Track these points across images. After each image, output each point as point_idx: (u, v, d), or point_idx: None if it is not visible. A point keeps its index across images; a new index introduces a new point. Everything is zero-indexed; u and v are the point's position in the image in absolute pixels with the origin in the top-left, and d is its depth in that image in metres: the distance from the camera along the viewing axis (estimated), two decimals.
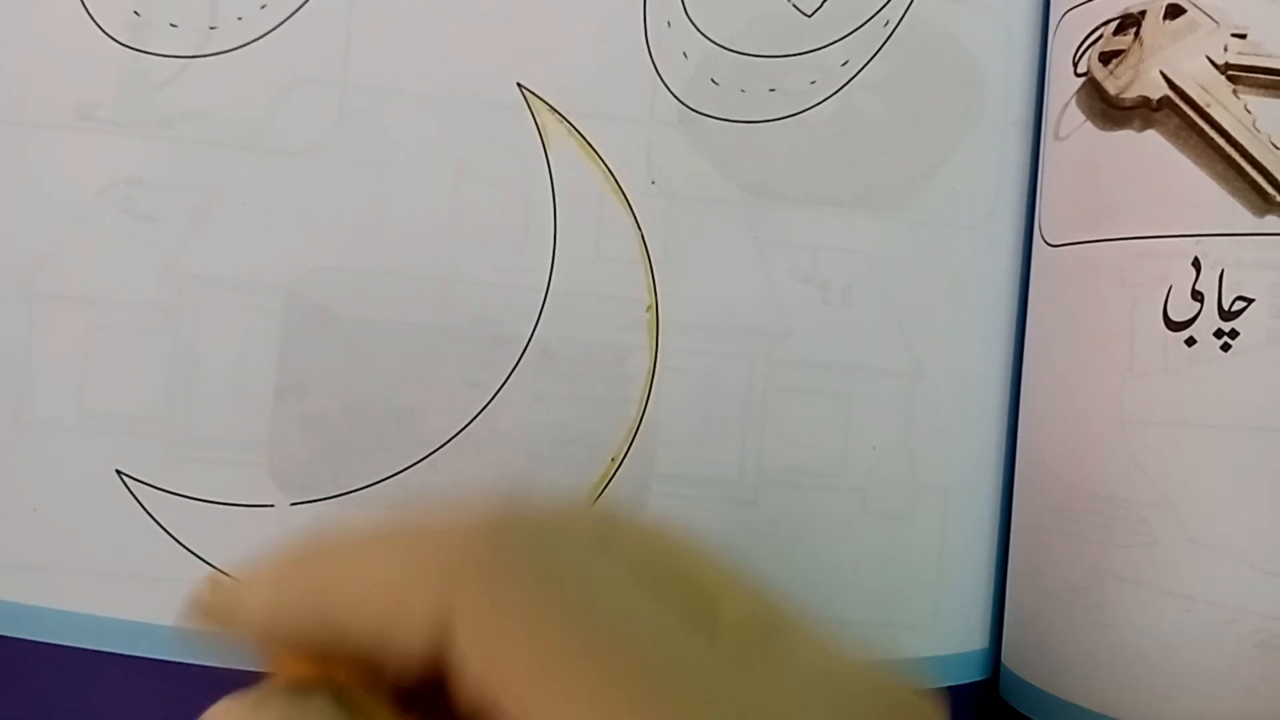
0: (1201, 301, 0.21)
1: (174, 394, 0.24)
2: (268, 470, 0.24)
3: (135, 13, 0.24)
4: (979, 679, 0.25)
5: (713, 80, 0.25)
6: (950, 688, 0.25)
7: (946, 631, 0.25)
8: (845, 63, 0.25)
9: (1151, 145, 0.22)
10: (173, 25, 0.24)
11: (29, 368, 0.24)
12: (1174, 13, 0.22)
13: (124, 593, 0.24)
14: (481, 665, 0.15)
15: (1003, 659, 0.25)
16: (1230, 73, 0.22)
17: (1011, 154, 0.26)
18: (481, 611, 0.15)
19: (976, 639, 0.25)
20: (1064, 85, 0.24)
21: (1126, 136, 0.23)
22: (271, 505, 0.24)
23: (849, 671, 0.17)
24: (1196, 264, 0.21)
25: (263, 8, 0.24)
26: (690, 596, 0.18)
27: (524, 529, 0.16)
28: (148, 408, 0.24)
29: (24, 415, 0.24)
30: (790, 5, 0.25)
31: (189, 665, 0.24)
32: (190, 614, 0.18)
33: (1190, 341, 0.21)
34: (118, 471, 0.24)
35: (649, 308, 0.25)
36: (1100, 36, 0.24)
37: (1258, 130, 0.21)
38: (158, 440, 0.24)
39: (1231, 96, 0.22)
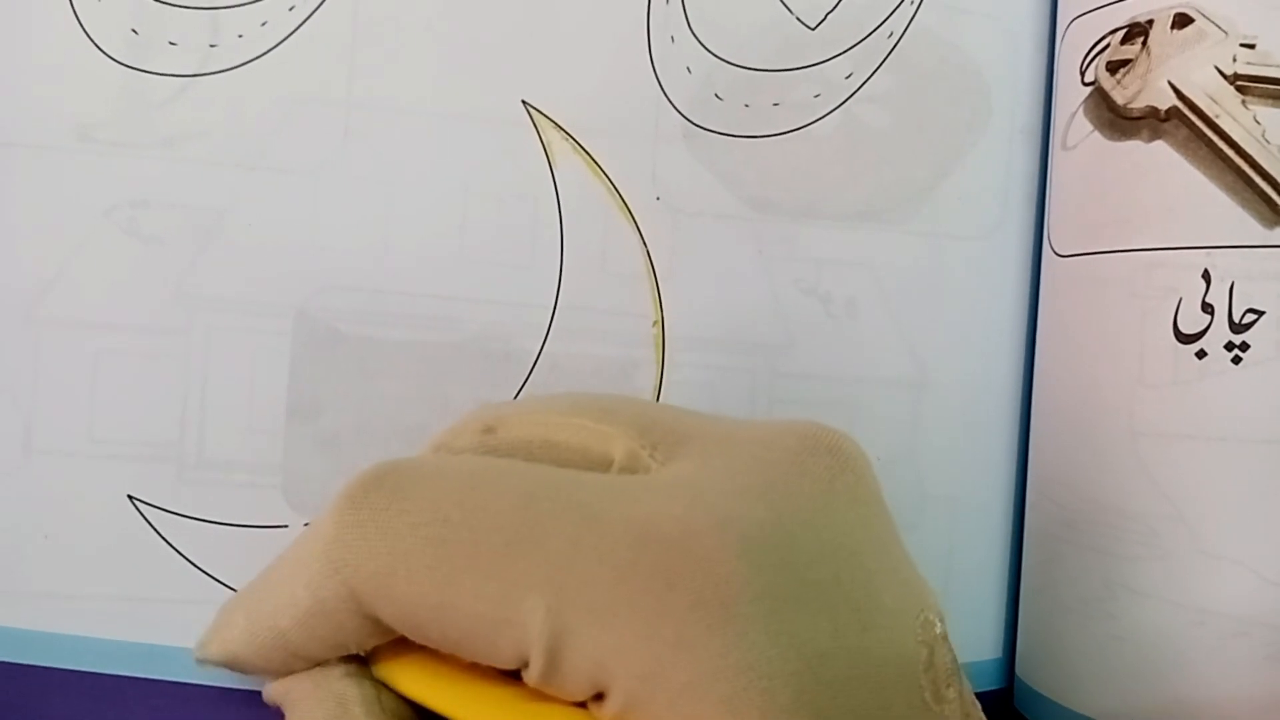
0: (1212, 314, 0.21)
1: (185, 417, 0.24)
2: (281, 491, 0.24)
3: (133, 30, 0.24)
4: (993, 689, 0.25)
5: (716, 95, 0.25)
6: None
7: (956, 641, 0.25)
8: (849, 75, 0.25)
9: (1160, 156, 0.22)
10: (172, 43, 0.24)
11: (36, 394, 0.24)
12: (1182, 22, 0.22)
13: (139, 616, 0.24)
14: (378, 590, 0.17)
15: (1016, 669, 0.25)
16: (1239, 83, 0.22)
17: (1018, 163, 0.26)
18: (366, 546, 0.18)
19: (988, 649, 0.25)
20: (1071, 94, 0.24)
21: (1134, 147, 0.23)
22: (286, 526, 0.24)
23: (748, 435, 0.19)
24: (1206, 276, 0.21)
25: (264, 25, 0.24)
26: (581, 451, 0.20)
27: (378, 468, 0.18)
28: (158, 432, 0.24)
29: (33, 442, 0.24)
30: (794, 18, 0.25)
31: (206, 687, 0.24)
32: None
33: (1201, 354, 0.21)
34: (129, 496, 0.24)
35: (655, 322, 0.25)
36: (1107, 45, 0.23)
37: (1267, 141, 0.21)
38: (169, 464, 0.24)
39: (1240, 107, 0.22)
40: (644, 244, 0.25)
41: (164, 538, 0.24)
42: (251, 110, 0.24)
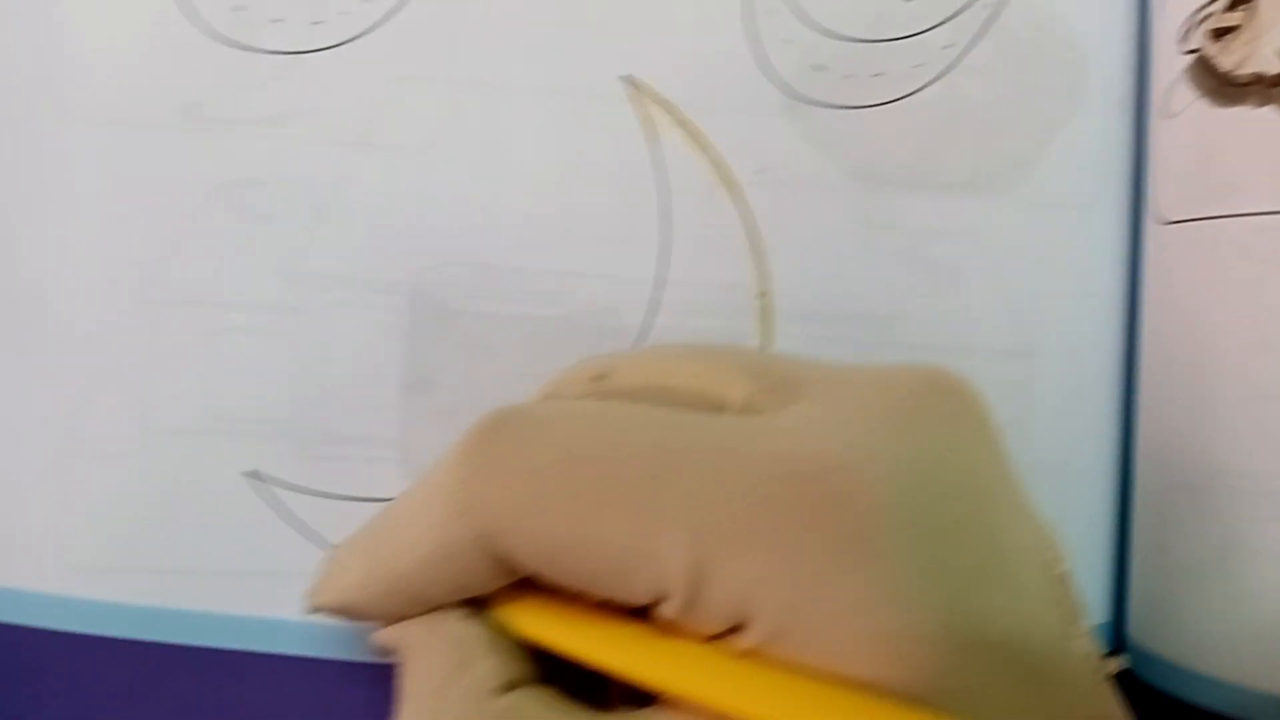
0: None
1: (302, 394, 0.24)
2: (399, 465, 0.24)
3: (237, 8, 0.24)
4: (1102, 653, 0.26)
5: (818, 67, 0.25)
6: None
7: None
8: (949, 45, 0.25)
9: (1269, 121, 0.22)
10: (275, 20, 0.24)
11: (152, 374, 0.24)
12: None
13: (261, 591, 0.24)
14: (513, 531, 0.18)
15: (1129, 633, 0.25)
16: None
17: (1116, 131, 0.26)
18: (497, 494, 0.18)
19: (1098, 613, 0.26)
20: (1171, 62, 0.24)
21: (1242, 113, 0.23)
22: None
23: (865, 378, 0.19)
24: None
25: (367, 0, 0.24)
26: (696, 395, 0.20)
27: (501, 412, 0.19)
28: (276, 408, 0.24)
29: (151, 422, 0.24)
30: None
31: (329, 661, 0.24)
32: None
33: None
34: (249, 472, 0.24)
35: (760, 294, 0.25)
36: (1210, 13, 0.24)
37: None
38: (288, 440, 0.24)
39: None
40: (747, 217, 0.25)
41: (284, 513, 0.24)
42: (356, 87, 0.24)
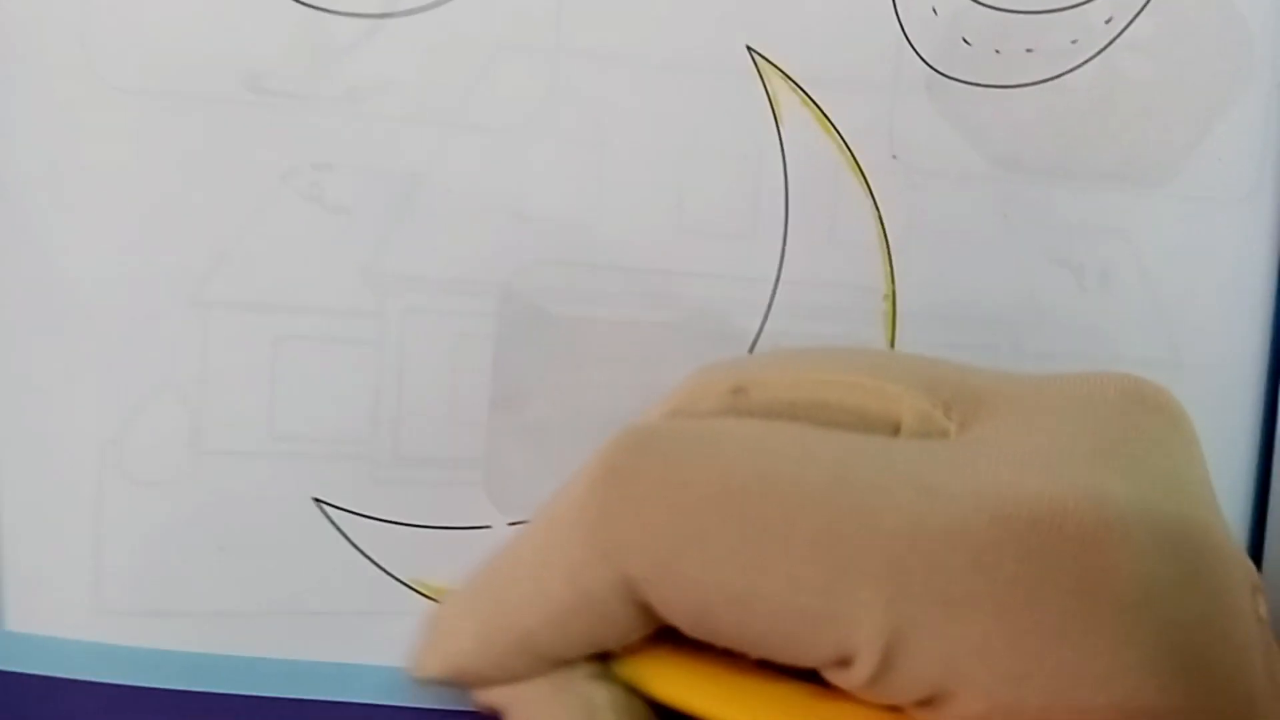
0: None
1: (377, 410, 0.21)
2: (484, 489, 0.21)
3: None
4: None
5: (965, 40, 0.22)
6: None
7: None
8: (1109, 20, 0.22)
9: None
10: None
11: (207, 388, 0.21)
12: None
13: (328, 632, 0.21)
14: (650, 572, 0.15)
15: None
16: None
17: (1276, 121, 0.23)
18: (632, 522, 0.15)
19: None
20: None
21: None
22: (489, 526, 0.22)
23: (1058, 390, 0.17)
24: None
25: None
26: (857, 413, 0.17)
27: (641, 433, 0.16)
28: (347, 427, 0.21)
29: (203, 443, 0.21)
30: None
31: (405, 709, 0.21)
32: None
33: None
34: (315, 499, 0.21)
35: (886, 296, 0.23)
36: None
37: None
38: (360, 462, 0.21)
39: None
40: (877, 208, 0.22)
41: (355, 544, 0.21)
42: (447, 59, 0.21)
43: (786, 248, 0.22)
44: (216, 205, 0.20)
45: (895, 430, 0.17)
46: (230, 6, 0.20)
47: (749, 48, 0.22)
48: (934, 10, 0.22)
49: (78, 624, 0.21)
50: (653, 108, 0.22)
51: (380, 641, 0.21)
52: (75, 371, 0.20)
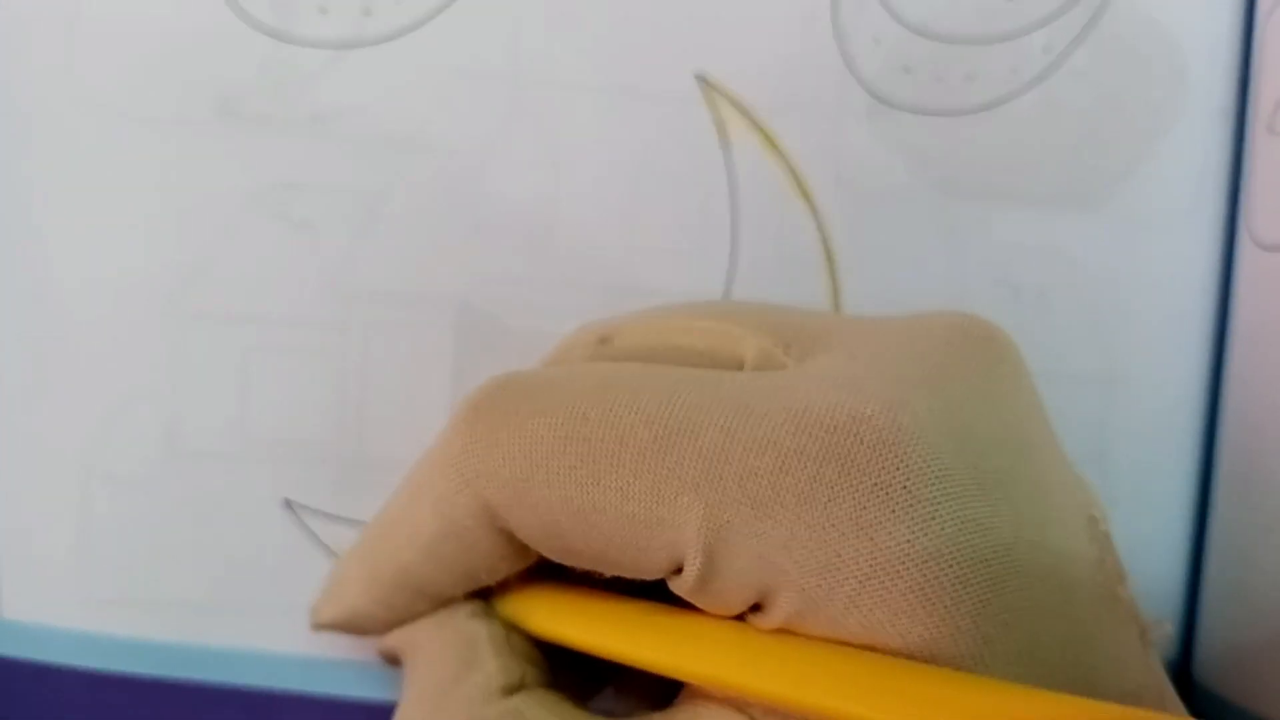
0: None
1: (342, 416, 0.22)
2: None
3: None
4: None
5: (906, 68, 0.23)
6: None
7: None
8: (1048, 48, 0.23)
9: None
10: (322, 10, 0.22)
11: (181, 394, 0.22)
12: None
13: (295, 626, 0.22)
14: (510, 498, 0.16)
15: (1196, 674, 0.24)
16: None
17: (1215, 143, 0.24)
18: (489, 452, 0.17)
19: (1164, 651, 0.25)
20: (1279, 76, 0.23)
21: None
22: None
23: (892, 328, 0.18)
24: None
25: None
26: (708, 354, 0.18)
27: (502, 377, 0.17)
28: (314, 432, 0.22)
29: (179, 445, 0.22)
30: None
31: (366, 702, 0.23)
32: None
33: None
34: (284, 500, 0.22)
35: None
36: None
37: None
38: (326, 466, 0.22)
39: None
40: (822, 229, 0.23)
41: (322, 541, 0.22)
42: (408, 85, 0.22)
43: (735, 266, 0.23)
44: (190, 222, 0.22)
45: (740, 367, 0.18)
46: (203, 37, 0.22)
47: (698, 74, 0.23)
48: (876, 40, 0.23)
49: (63, 612, 0.22)
50: (605, 132, 0.23)
51: (345, 637, 0.22)
52: (60, 380, 0.22)
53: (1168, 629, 0.17)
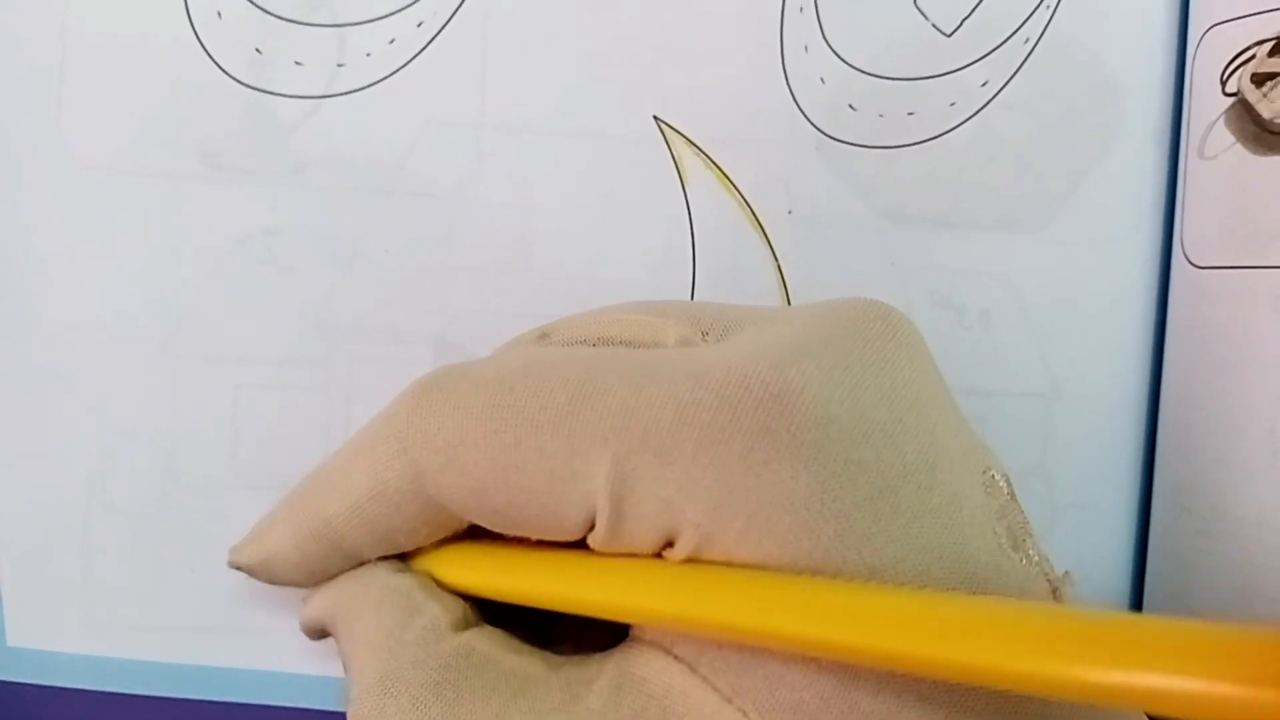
0: None
1: (327, 446, 0.24)
2: None
3: (257, 50, 0.23)
4: None
5: (850, 105, 0.25)
6: None
7: None
8: (985, 83, 0.25)
9: None
10: (298, 63, 0.23)
11: (177, 429, 0.23)
12: None
13: (288, 645, 0.24)
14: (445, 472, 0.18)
15: None
16: None
17: (1150, 167, 0.26)
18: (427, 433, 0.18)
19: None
20: (1210, 104, 0.24)
21: None
22: None
23: (799, 312, 0.19)
24: None
25: (392, 42, 0.23)
26: (634, 342, 0.20)
27: (447, 363, 0.19)
28: (301, 461, 0.23)
29: (176, 476, 0.23)
30: (929, 25, 0.24)
31: None
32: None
33: None
34: None
35: None
36: (1253, 56, 0.23)
37: None
38: None
39: None
40: (776, 259, 0.25)
41: None
42: (382, 133, 0.23)
43: (695, 295, 0.25)
44: (179, 268, 0.23)
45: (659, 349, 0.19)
46: (187, 91, 0.23)
47: (655, 117, 0.24)
48: (822, 80, 0.24)
49: (69, 638, 0.23)
50: (569, 173, 0.24)
51: (330, 656, 0.24)
52: (62, 417, 0.23)
53: (1074, 580, 0.18)
